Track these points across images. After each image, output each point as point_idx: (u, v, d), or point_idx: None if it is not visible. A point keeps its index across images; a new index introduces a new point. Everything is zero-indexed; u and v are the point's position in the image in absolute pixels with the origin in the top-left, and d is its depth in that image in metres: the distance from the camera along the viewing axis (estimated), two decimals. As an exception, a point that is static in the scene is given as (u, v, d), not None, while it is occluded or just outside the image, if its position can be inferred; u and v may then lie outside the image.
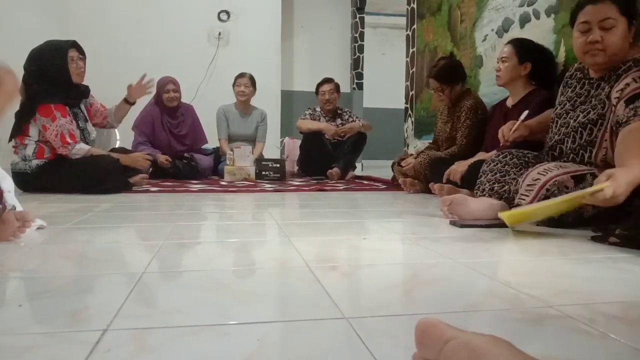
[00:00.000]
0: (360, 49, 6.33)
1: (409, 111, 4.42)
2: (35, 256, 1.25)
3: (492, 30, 3.17)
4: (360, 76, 6.33)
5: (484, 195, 1.96)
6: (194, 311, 0.79)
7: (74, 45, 2.87)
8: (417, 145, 4.15)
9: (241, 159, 3.80)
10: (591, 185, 1.63)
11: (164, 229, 1.59)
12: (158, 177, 3.67)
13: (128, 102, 3.28)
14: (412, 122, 4.35)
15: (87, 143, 2.94)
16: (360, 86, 6.32)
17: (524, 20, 2.82)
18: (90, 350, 0.62)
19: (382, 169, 5.12)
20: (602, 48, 1.70)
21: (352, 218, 1.96)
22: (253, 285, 0.99)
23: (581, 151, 1.82)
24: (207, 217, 2.04)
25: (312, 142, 4.11)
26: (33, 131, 2.77)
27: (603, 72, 1.79)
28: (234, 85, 4.37)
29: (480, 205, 1.86)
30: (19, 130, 2.76)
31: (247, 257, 1.24)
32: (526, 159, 1.99)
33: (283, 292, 0.96)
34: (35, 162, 2.76)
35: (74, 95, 2.90)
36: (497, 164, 2.00)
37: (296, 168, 4.58)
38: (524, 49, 2.48)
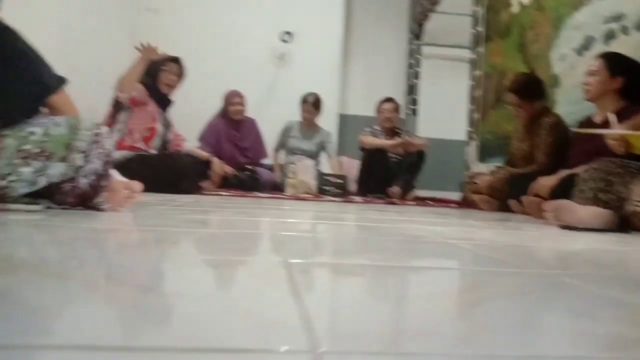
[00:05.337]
0: (416, 75, 6.33)
1: (472, 135, 4.35)
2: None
3: (571, 48, 3.10)
4: (415, 102, 6.32)
5: (586, 204, 1.86)
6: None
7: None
8: (481, 168, 4.05)
9: (304, 173, 3.78)
10: None
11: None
12: (220, 187, 3.68)
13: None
14: (475, 145, 4.27)
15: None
16: (414, 112, 6.30)
17: (609, 37, 2.76)
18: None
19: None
20: None
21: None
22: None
23: None
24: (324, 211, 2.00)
25: (375, 158, 4.06)
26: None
27: None
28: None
29: (588, 212, 1.76)
30: None
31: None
32: (630, 169, 1.89)
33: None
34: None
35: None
36: (599, 172, 1.91)
37: (354, 186, 4.53)
38: (616, 63, 2.40)
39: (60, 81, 1.47)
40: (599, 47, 2.82)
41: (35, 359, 0.33)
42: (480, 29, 4.31)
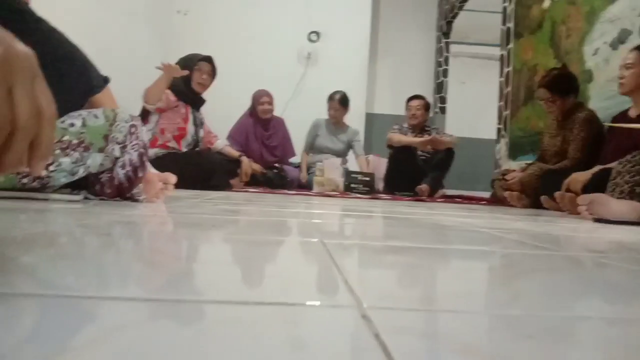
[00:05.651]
0: (445, 73, 6.28)
1: (502, 132, 4.29)
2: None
3: (605, 42, 3.03)
4: (443, 100, 6.26)
5: (622, 198, 1.82)
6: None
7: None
8: (511, 166, 3.99)
9: (331, 171, 3.80)
10: None
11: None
12: (249, 185, 3.72)
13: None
14: (505, 142, 4.21)
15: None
16: (443, 110, 6.24)
17: (647, 30, 2.69)
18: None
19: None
20: None
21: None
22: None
23: None
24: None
25: (403, 156, 4.04)
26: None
27: None
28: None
29: (623, 206, 1.73)
30: None
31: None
32: (668, 163, 1.84)
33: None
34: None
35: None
36: (634, 165, 1.87)
37: (381, 185, 4.52)
38: (653, 55, 2.34)
39: (104, 80, 1.53)
40: (635, 40, 2.75)
41: (94, 307, 0.35)
42: (510, 25, 4.25)
